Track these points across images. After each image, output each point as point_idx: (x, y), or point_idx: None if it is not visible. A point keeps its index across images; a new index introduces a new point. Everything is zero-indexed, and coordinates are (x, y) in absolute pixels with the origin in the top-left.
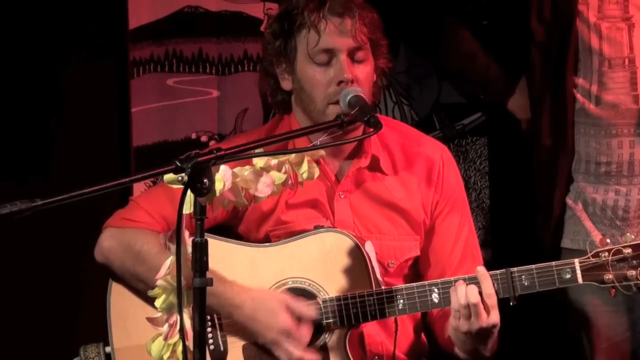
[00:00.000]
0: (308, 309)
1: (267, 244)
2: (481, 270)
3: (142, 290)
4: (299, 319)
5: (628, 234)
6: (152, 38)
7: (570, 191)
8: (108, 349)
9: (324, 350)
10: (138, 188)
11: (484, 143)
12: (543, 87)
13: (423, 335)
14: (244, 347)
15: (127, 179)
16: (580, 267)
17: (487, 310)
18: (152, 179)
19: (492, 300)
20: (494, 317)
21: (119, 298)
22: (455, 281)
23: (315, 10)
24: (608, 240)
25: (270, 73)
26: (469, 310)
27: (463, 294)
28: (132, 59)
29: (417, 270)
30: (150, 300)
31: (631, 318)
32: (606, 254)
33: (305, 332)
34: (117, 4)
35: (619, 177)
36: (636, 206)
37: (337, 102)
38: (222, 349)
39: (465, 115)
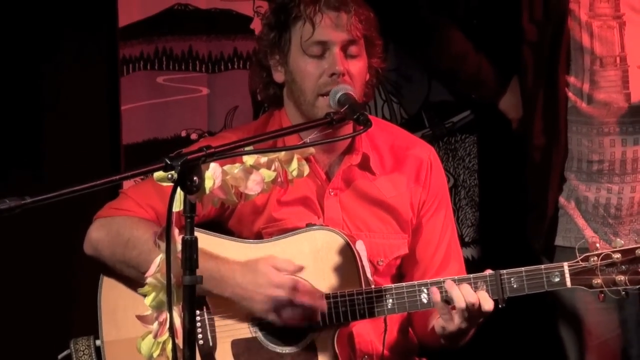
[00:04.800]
0: (292, 264)
1: (258, 240)
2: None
3: (134, 277)
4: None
5: (618, 240)
6: (142, 36)
7: (563, 190)
8: (98, 343)
9: (312, 348)
10: (127, 186)
11: (474, 141)
12: (535, 87)
13: (412, 334)
14: (232, 343)
15: (117, 177)
16: (569, 270)
17: (483, 303)
18: (142, 177)
19: (482, 293)
20: (490, 303)
21: (110, 292)
22: (444, 282)
23: (311, 3)
24: (598, 245)
25: (263, 65)
26: (467, 310)
27: (460, 295)
28: (122, 56)
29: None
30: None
31: (622, 316)
32: (595, 258)
33: (301, 281)
34: (107, 1)
35: (611, 176)
36: (628, 204)
37: (327, 94)
38: (211, 344)
39: (454, 113)
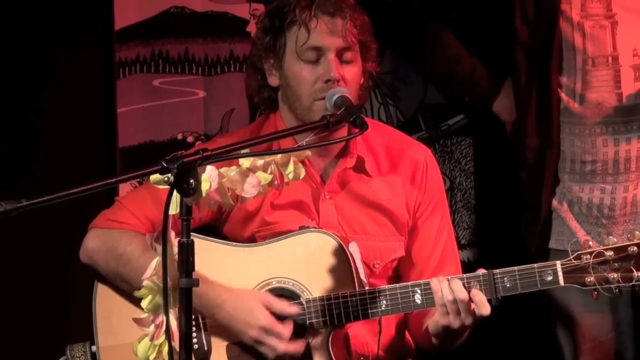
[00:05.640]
0: (288, 307)
1: (252, 244)
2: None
3: (127, 290)
4: (279, 317)
5: (611, 237)
6: (138, 38)
7: (555, 192)
8: (94, 348)
9: (306, 350)
10: (124, 189)
11: (469, 143)
12: (528, 87)
13: (408, 335)
14: (227, 347)
15: (113, 180)
16: (562, 269)
17: (477, 305)
18: (138, 180)
19: (480, 297)
20: (487, 308)
21: (104, 298)
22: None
23: (306, 8)
24: (590, 243)
25: (258, 68)
26: (457, 305)
27: (448, 289)
28: (118, 59)
29: (397, 271)
30: (134, 300)
31: (615, 318)
32: (588, 256)
33: (285, 329)
34: (103, 4)
35: (605, 176)
36: (621, 204)
37: (323, 99)
38: (205, 348)
39: (450, 115)
